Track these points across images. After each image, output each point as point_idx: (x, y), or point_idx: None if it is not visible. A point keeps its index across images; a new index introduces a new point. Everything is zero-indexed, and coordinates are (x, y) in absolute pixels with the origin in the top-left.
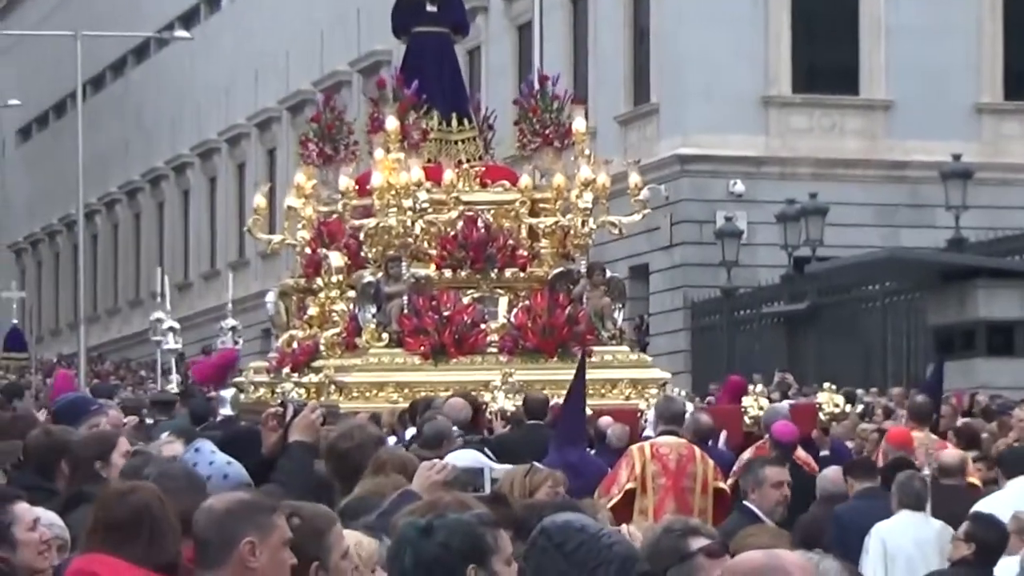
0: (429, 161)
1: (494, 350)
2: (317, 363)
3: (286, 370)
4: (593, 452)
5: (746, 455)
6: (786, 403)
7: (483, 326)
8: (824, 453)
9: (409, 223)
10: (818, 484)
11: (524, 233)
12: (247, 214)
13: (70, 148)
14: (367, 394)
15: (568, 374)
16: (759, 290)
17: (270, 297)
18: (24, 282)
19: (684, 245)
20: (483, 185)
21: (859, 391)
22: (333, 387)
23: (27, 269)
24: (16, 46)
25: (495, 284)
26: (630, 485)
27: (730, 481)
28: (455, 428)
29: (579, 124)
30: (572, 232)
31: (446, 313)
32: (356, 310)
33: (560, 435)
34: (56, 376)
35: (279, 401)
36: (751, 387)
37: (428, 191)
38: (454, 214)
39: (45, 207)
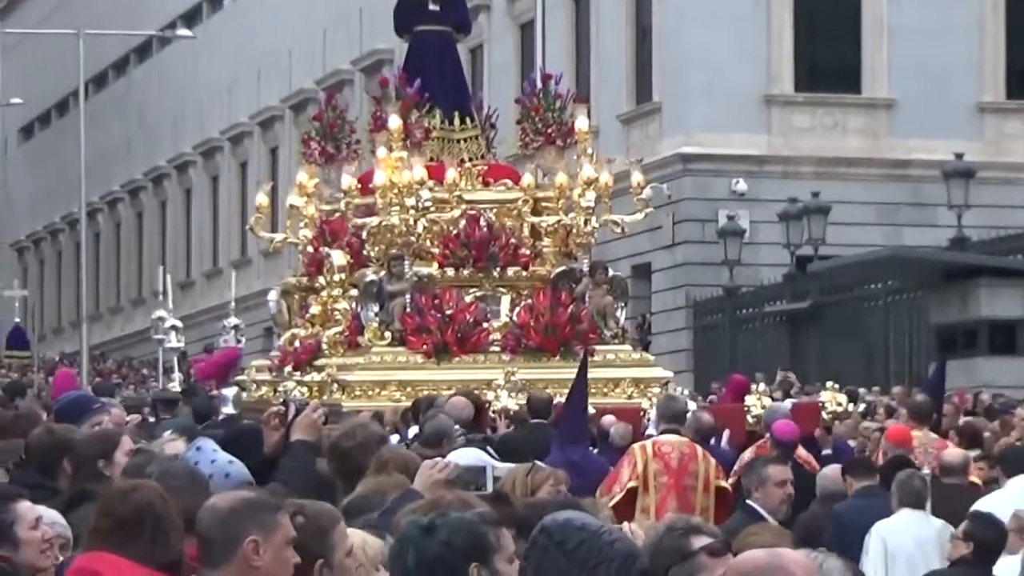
0: (431, 160)
1: (496, 349)
2: (319, 362)
3: (288, 369)
4: (596, 451)
5: (747, 454)
6: (789, 402)
7: (485, 325)
8: (827, 452)
9: (412, 222)
10: (818, 483)
11: (526, 232)
12: (249, 213)
13: (72, 147)
14: (369, 392)
15: (570, 373)
16: (761, 289)
17: (272, 296)
18: (26, 280)
19: (686, 244)
20: (485, 184)
21: (861, 390)
22: (335, 386)
23: (29, 267)
24: (19, 45)
25: (497, 283)
26: (632, 484)
27: (731, 480)
28: (457, 427)
29: (581, 123)
30: (574, 231)
31: (448, 312)
32: (359, 309)
33: (562, 434)
34: (57, 375)
35: (281, 400)
36: (753, 386)
37: (431, 190)
38: (456, 213)
39: (47, 205)
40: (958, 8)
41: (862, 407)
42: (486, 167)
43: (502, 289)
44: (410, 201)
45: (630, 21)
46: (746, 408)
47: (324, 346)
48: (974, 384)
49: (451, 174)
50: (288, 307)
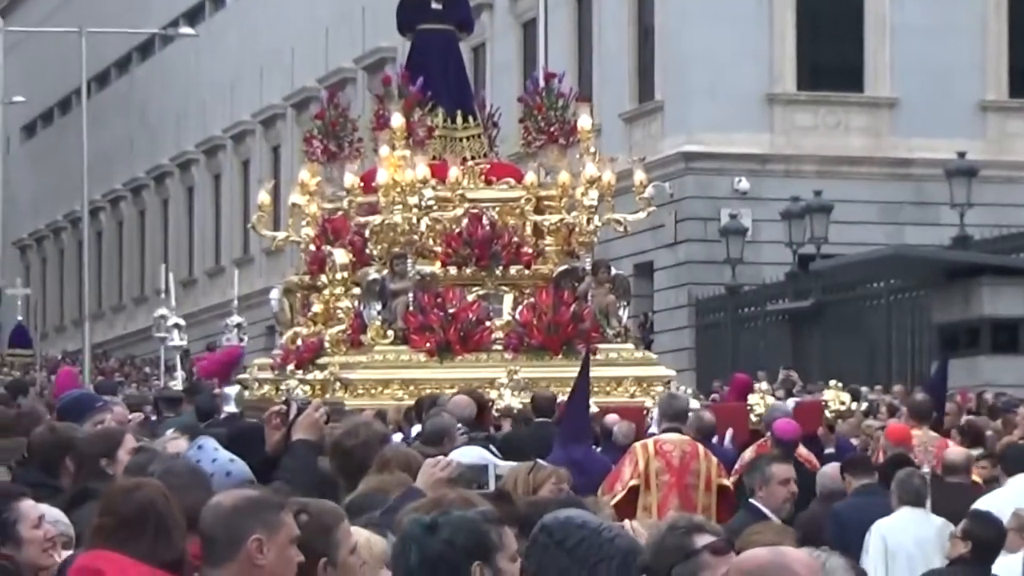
0: (434, 158)
1: (499, 347)
2: (322, 360)
3: (291, 367)
4: (599, 449)
5: (748, 453)
6: (791, 401)
7: (488, 323)
8: (829, 451)
9: (414, 220)
10: (818, 481)
11: (529, 230)
12: (252, 211)
13: (75, 145)
14: (372, 391)
15: (573, 371)
16: (764, 287)
17: (274, 294)
18: (29, 279)
19: (689, 242)
20: (488, 182)
21: (863, 389)
22: (338, 384)
23: (32, 266)
24: (21, 43)
25: (500, 281)
26: (634, 482)
27: (732, 479)
28: (459, 425)
29: (584, 122)
30: (577, 229)
31: (451, 310)
32: (361, 307)
33: (564, 432)
34: (59, 373)
35: (283, 399)
36: (756, 385)
37: (433, 188)
38: (459, 211)
39: (50, 204)
40: (960, 7)
41: (864, 406)
42: (489, 166)
43: (505, 288)
44: (413, 200)
45: (632, 20)
46: (749, 407)
47: (327, 344)
48: (976, 383)
49: (454, 173)
50: (290, 305)
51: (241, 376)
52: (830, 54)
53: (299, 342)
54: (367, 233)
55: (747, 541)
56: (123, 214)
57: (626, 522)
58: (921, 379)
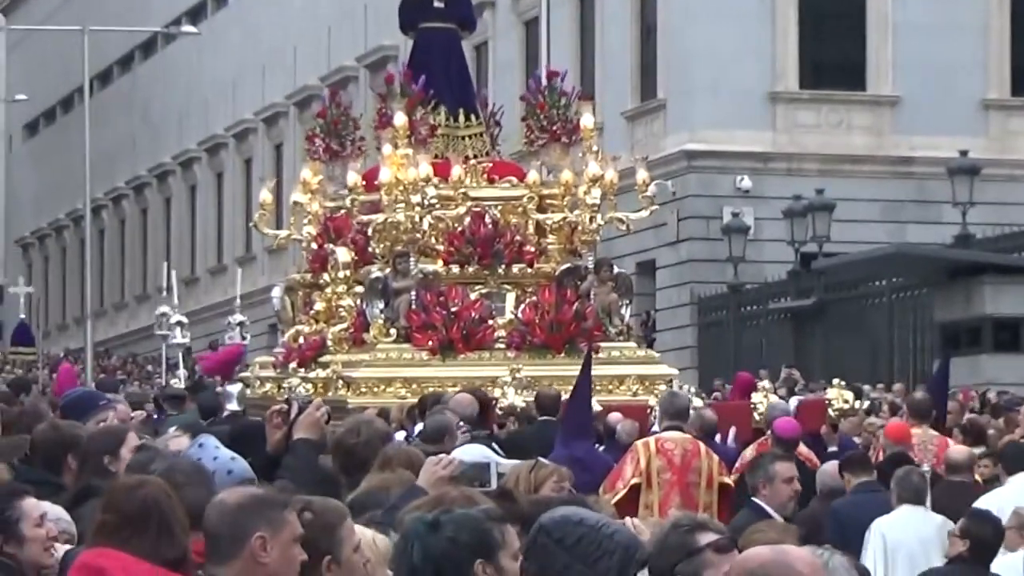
0: (436, 157)
1: (502, 346)
2: (324, 358)
3: (293, 365)
4: (602, 448)
5: (748, 452)
6: (795, 399)
7: (491, 322)
8: (832, 449)
9: (417, 219)
10: (818, 479)
11: (531, 229)
12: (254, 209)
13: (77, 143)
14: (375, 389)
15: (575, 370)
16: (766, 286)
17: (276, 292)
18: (31, 277)
19: (691, 241)
20: (490, 181)
21: (866, 387)
22: (341, 382)
23: (34, 264)
24: (23, 41)
25: (502, 280)
26: (635, 480)
27: (733, 477)
28: (461, 423)
29: (587, 120)
30: (580, 228)
31: (454, 309)
32: (364, 305)
33: (567, 430)
34: (59, 370)
35: (284, 398)
36: (760, 383)
37: (436, 187)
38: (462, 210)
39: (52, 202)
40: (963, 5)
41: (866, 404)
42: (491, 164)
43: (507, 286)
44: (415, 198)
45: (635, 18)
46: (753, 405)
47: (329, 343)
48: (978, 381)
49: (456, 171)
50: (292, 304)
51: (243, 374)
52: (832, 52)
53: (301, 340)
54: (370, 231)
55: (750, 539)
56: (125, 212)
57: (627, 519)
58: (923, 378)
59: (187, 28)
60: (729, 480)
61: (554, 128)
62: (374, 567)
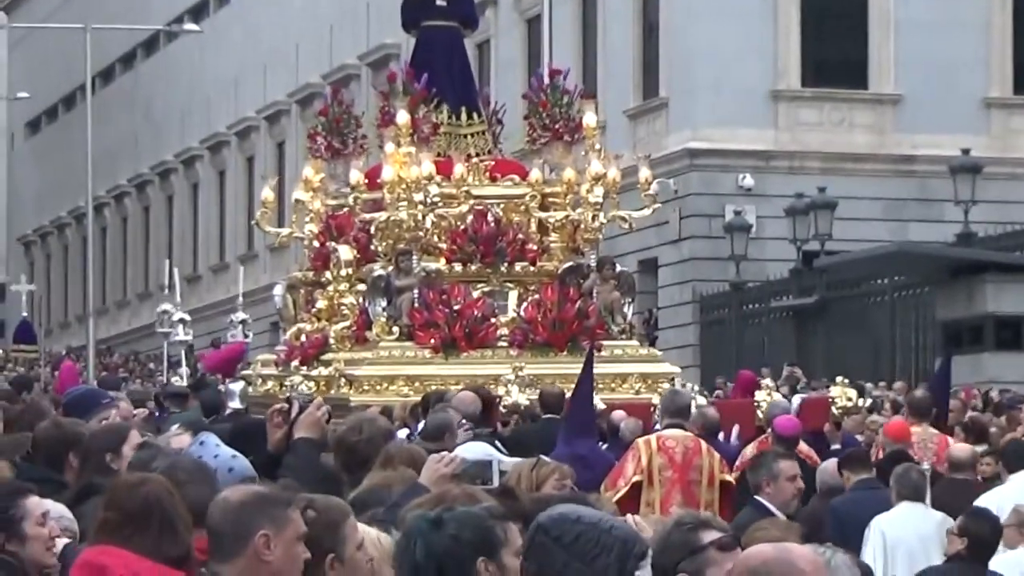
0: (439, 155)
1: (504, 344)
2: (326, 356)
3: (295, 363)
4: (606, 446)
5: (749, 450)
6: (798, 397)
7: (493, 320)
8: (835, 447)
9: (420, 217)
10: (818, 477)
11: (534, 227)
12: (256, 207)
13: (79, 141)
14: (377, 387)
15: (578, 368)
16: (768, 284)
17: (278, 290)
18: (33, 275)
19: (693, 239)
20: (493, 179)
21: (868, 385)
22: (343, 380)
23: (36, 262)
24: (25, 39)
25: (505, 278)
26: (637, 478)
27: (734, 474)
28: (464, 421)
29: (590, 119)
30: (582, 226)
31: (456, 307)
32: (366, 303)
33: (569, 428)
34: (61, 368)
35: (285, 397)
36: (762, 381)
37: (439, 185)
38: (464, 208)
39: (54, 200)
40: (965, 2)
41: (868, 402)
42: (493, 162)
43: (509, 284)
44: (418, 196)
45: (637, 16)
46: (756, 403)
47: (331, 341)
48: (980, 380)
49: (459, 169)
50: (294, 301)
51: (245, 372)
52: (834, 50)
53: (303, 338)
54: (372, 229)
55: (752, 537)
56: (127, 210)
57: (628, 516)
58: (925, 376)
59: (189, 26)
60: (730, 478)
61: (556, 126)
62: (378, 565)
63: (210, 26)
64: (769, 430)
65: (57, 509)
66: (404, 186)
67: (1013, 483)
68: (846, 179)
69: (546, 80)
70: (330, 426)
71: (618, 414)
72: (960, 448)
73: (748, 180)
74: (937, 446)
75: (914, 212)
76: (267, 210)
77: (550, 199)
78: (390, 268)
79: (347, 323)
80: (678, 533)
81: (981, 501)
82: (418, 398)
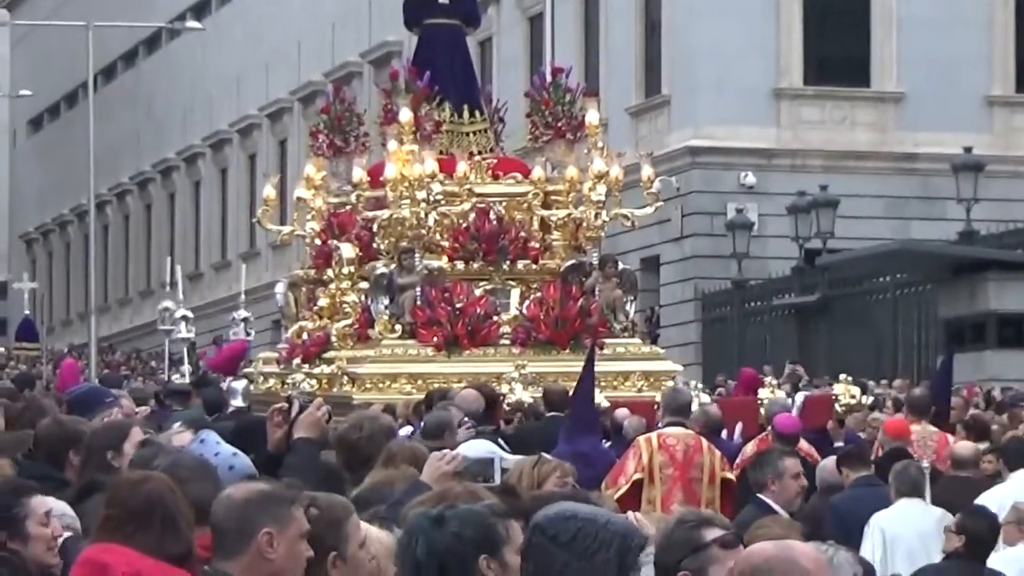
0: (441, 153)
1: (507, 342)
2: (329, 354)
3: (297, 361)
4: (609, 444)
5: (749, 448)
6: (802, 394)
7: (495, 318)
8: (839, 444)
9: (422, 215)
10: (818, 475)
11: (536, 225)
12: (258, 205)
13: (81, 138)
14: (380, 385)
15: (580, 366)
16: (770, 282)
17: (279, 288)
18: (35, 273)
19: (695, 237)
20: (495, 177)
21: (870, 383)
22: (346, 378)
23: (38, 259)
24: (28, 36)
25: (507, 276)
26: (638, 476)
27: (735, 472)
28: (466, 419)
29: (592, 117)
30: (584, 224)
31: (459, 305)
32: (369, 301)
33: (571, 425)
34: (62, 366)
35: (285, 397)
36: (766, 379)
37: (441, 183)
38: (467, 206)
39: (56, 197)
40: (967, 1)
41: (870, 400)
42: (496, 160)
43: (512, 282)
44: (421, 194)
45: (639, 14)
46: (760, 401)
47: (333, 339)
48: (982, 377)
49: (461, 167)
50: (295, 299)
51: (247, 370)
52: (837, 48)
53: (305, 336)
54: (375, 227)
55: (754, 535)
56: (129, 208)
57: (629, 513)
58: (927, 374)
59: (191, 24)
60: (731, 476)
61: (559, 124)
62: (383, 563)
63: (212, 24)
64: (769, 428)
65: (59, 507)
66: (407, 184)
67: (1014, 481)
68: (848, 177)
69: (548, 78)
70: (331, 425)
71: (622, 412)
72: (964, 446)
73: (750, 178)
74: (937, 444)
75: (916, 210)
76: (269, 208)
77: (552, 197)
78: (392, 266)
79: (349, 321)
80: (680, 531)
81: (982, 499)
82: (420, 396)
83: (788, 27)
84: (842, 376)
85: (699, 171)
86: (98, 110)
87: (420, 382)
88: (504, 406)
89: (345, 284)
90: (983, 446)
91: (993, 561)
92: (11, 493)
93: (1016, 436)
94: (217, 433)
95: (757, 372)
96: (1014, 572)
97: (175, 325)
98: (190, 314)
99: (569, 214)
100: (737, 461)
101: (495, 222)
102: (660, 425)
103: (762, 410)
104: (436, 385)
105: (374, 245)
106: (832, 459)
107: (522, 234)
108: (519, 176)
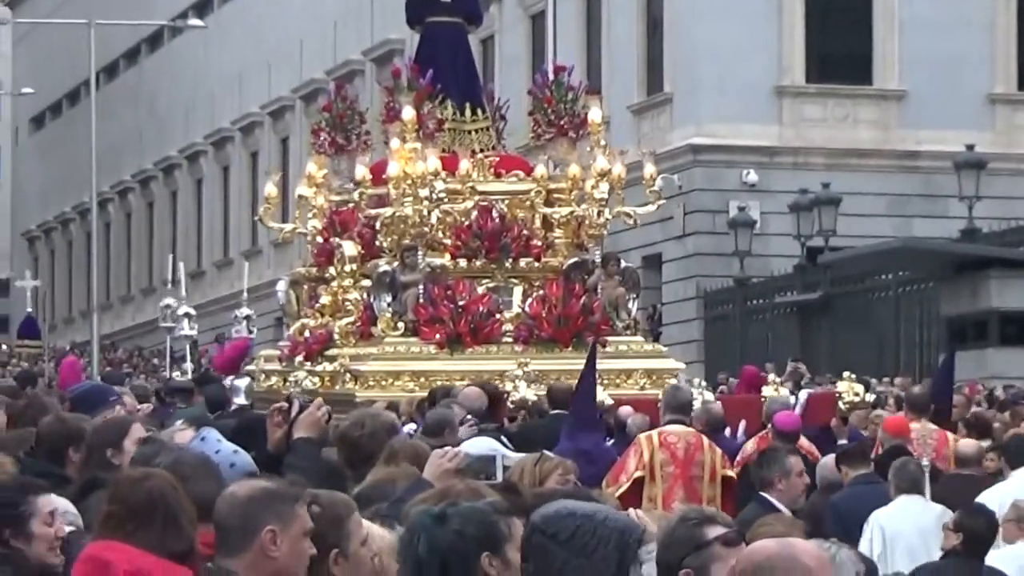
0: (444, 151)
1: (509, 340)
2: (331, 352)
3: (299, 358)
4: (612, 442)
5: (749, 446)
6: (806, 392)
7: (498, 316)
8: (842, 442)
9: (425, 212)
10: (818, 473)
11: (538, 223)
12: (260, 203)
13: (83, 137)
14: (383, 383)
15: (583, 364)
16: (772, 280)
17: (281, 286)
18: (38, 270)
19: (697, 235)
20: (497, 175)
21: (872, 380)
22: (348, 376)
23: (40, 257)
24: (30, 34)
25: (510, 274)
26: (639, 473)
27: (735, 470)
28: (469, 416)
29: (595, 115)
30: (587, 222)
31: (461, 303)
32: (371, 299)
33: (573, 423)
34: (63, 364)
35: (285, 396)
36: (769, 376)
37: (444, 181)
38: (469, 204)
39: (58, 195)
40: None
41: (872, 397)
42: (498, 158)
43: (514, 280)
44: (424, 192)
45: (641, 12)
46: (763, 399)
47: (336, 336)
48: (984, 375)
49: (464, 165)
50: (297, 297)
51: (249, 368)
52: (839, 46)
53: (307, 334)
54: (377, 225)
55: (757, 533)
56: (131, 206)
57: (631, 510)
58: (929, 371)
59: (193, 22)
60: (732, 473)
61: (561, 122)
62: (385, 560)
63: (214, 22)
64: (769, 426)
65: (62, 504)
66: (409, 182)
67: (1015, 479)
68: (850, 175)
69: (550, 76)
70: (332, 422)
71: (625, 410)
72: (967, 444)
73: (752, 176)
74: (936, 442)
75: (918, 208)
76: (271, 206)
77: (555, 195)
78: (395, 264)
79: (352, 319)
80: (683, 528)
81: (983, 497)
82: (423, 394)
83: (790, 25)
84: (846, 374)
85: (701, 169)
86: (100, 108)
87: (423, 380)
88: (508, 404)
89: (347, 282)
90: (985, 444)
91: (993, 559)
92: (19, 490)
93: (1018, 434)
94: (218, 431)
95: (759, 370)
96: (1014, 570)
97: (177, 322)
98: (192, 311)
99: (571, 212)
100: (737, 459)
101: (498, 220)
102: (661, 423)
103: (765, 408)
104: (439, 383)
105: (376, 243)
106: (831, 457)
107: (524, 232)
108: (521, 174)
